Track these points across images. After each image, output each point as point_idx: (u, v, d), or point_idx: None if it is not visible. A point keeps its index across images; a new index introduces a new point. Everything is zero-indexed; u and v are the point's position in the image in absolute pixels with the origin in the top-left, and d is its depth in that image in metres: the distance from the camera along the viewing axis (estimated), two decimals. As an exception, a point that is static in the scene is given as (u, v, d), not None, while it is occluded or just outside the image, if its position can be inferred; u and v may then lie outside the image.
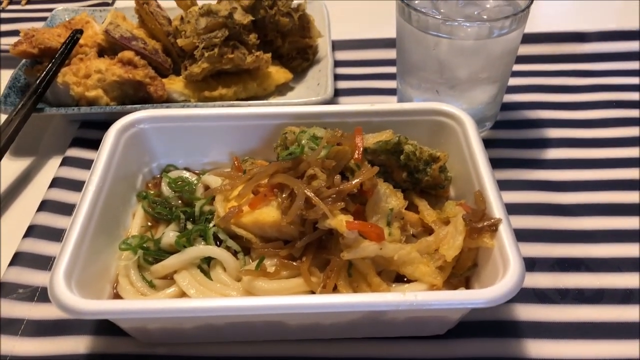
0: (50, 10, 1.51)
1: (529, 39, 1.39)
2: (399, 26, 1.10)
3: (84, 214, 0.79)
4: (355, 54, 1.45)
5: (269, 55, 1.25)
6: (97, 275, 0.81)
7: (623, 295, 0.89)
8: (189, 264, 0.84)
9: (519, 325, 0.85)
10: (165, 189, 0.96)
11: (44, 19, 1.49)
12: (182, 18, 1.27)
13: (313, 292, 0.78)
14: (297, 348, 0.83)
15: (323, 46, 1.37)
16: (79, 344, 0.84)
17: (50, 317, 0.87)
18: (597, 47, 1.42)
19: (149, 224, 0.93)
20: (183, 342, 0.84)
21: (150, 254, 0.86)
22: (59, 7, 1.48)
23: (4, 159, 1.08)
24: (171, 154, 1.01)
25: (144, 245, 0.86)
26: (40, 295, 0.90)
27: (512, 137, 1.18)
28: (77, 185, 1.08)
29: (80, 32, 1.25)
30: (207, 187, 0.95)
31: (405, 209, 0.84)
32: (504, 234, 0.75)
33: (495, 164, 1.04)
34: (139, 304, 0.71)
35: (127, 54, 1.21)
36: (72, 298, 0.69)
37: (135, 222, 0.92)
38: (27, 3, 1.73)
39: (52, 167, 1.16)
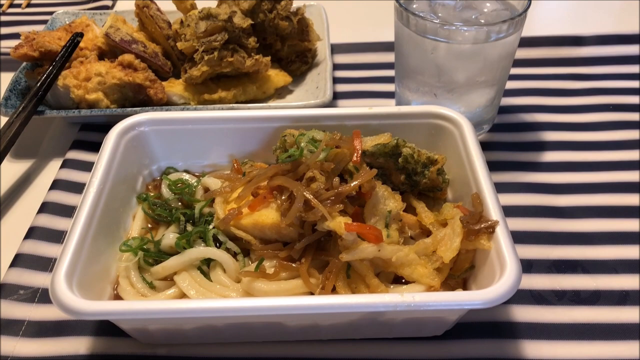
0: (50, 13, 1.52)
1: (527, 42, 1.40)
2: (397, 30, 1.10)
3: (84, 216, 0.80)
4: (353, 57, 1.46)
5: (268, 58, 1.26)
6: (98, 277, 0.82)
7: (619, 296, 0.90)
8: (189, 266, 0.84)
9: (516, 327, 0.86)
10: (165, 191, 0.97)
11: (44, 22, 1.50)
12: (181, 21, 1.28)
13: (312, 293, 0.79)
14: (296, 349, 0.84)
15: (322, 49, 1.38)
16: (80, 344, 0.85)
17: (51, 318, 0.88)
18: (594, 51, 1.43)
19: (149, 225, 0.94)
20: (183, 342, 0.84)
21: (151, 255, 0.86)
22: (60, 10, 1.49)
23: (4, 162, 1.09)
24: (171, 157, 1.02)
25: (144, 246, 0.87)
26: (41, 296, 0.91)
27: (510, 140, 1.19)
28: (77, 188, 1.09)
29: (81, 35, 1.25)
30: (206, 189, 0.96)
31: (404, 211, 0.85)
32: (501, 236, 0.76)
33: (493, 166, 1.05)
34: (139, 304, 0.72)
35: (127, 57, 1.22)
36: (73, 299, 0.70)
37: (135, 224, 0.93)
38: (27, 6, 1.73)
39: (52, 170, 1.16)
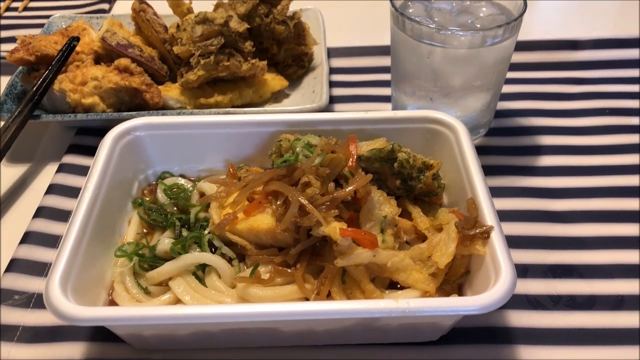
0: (46, 17, 1.52)
1: (523, 46, 1.40)
2: (393, 35, 1.11)
3: (79, 221, 0.80)
4: (350, 61, 1.46)
5: (264, 62, 1.26)
6: (93, 282, 0.81)
7: (615, 301, 0.90)
8: (184, 271, 0.84)
9: (512, 332, 0.86)
10: (161, 196, 0.97)
11: (40, 25, 1.50)
12: (178, 26, 1.28)
13: (307, 299, 0.79)
14: (291, 354, 0.84)
15: (318, 54, 1.38)
16: (75, 350, 0.84)
17: (46, 323, 0.87)
18: (591, 55, 1.43)
19: (145, 230, 0.94)
20: (178, 348, 0.84)
21: (146, 260, 0.86)
22: (56, 14, 1.48)
23: (0, 166, 1.08)
24: (167, 161, 1.02)
25: (140, 252, 0.87)
26: (36, 301, 0.90)
27: (506, 144, 1.19)
28: (73, 192, 1.09)
29: (77, 39, 1.25)
30: (202, 194, 0.96)
31: (399, 215, 0.85)
32: (496, 241, 0.76)
33: (489, 170, 1.05)
34: (134, 311, 0.71)
35: (124, 61, 1.22)
36: (67, 305, 0.70)
37: (130, 229, 0.92)
38: (24, 10, 1.73)
39: (48, 174, 1.16)
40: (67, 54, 1.22)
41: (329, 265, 0.79)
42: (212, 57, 1.20)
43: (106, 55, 1.29)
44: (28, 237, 0.99)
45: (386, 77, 1.31)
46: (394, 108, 1.23)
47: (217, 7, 1.29)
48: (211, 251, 0.87)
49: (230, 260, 0.86)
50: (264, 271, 0.82)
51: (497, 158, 1.16)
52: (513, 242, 0.94)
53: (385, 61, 1.31)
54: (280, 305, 0.71)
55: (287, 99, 1.32)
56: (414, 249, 0.81)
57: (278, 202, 0.83)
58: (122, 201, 0.94)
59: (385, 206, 0.83)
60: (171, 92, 1.25)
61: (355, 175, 0.83)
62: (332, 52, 1.46)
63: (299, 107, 1.19)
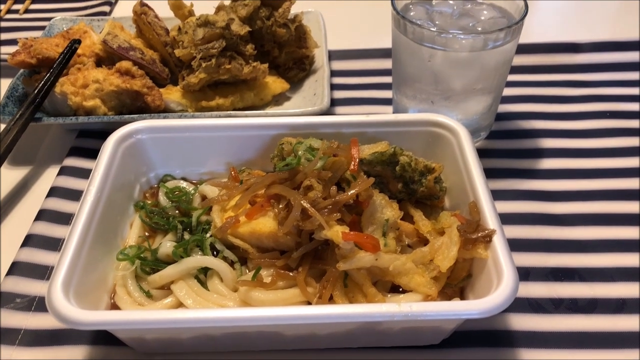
0: (47, 19, 1.52)
1: (523, 49, 1.40)
2: (394, 38, 1.11)
3: (82, 224, 0.80)
4: (351, 63, 1.46)
5: (265, 65, 1.26)
6: (95, 286, 0.81)
7: (616, 304, 0.90)
8: (186, 274, 0.84)
9: (513, 335, 0.86)
10: (163, 199, 0.97)
11: (41, 28, 1.50)
12: (179, 28, 1.28)
13: (309, 302, 0.79)
14: (293, 357, 0.84)
15: (319, 56, 1.38)
16: (76, 353, 0.84)
17: (48, 326, 0.87)
18: (591, 58, 1.43)
19: (146, 234, 0.94)
20: (180, 352, 0.84)
21: (148, 264, 0.86)
22: (57, 16, 1.48)
23: (2, 169, 1.08)
24: (168, 164, 1.02)
25: (142, 255, 0.87)
26: (38, 304, 0.90)
27: (507, 147, 1.19)
28: (74, 195, 1.09)
29: (78, 42, 1.25)
30: (204, 197, 0.96)
31: (401, 219, 0.86)
32: (498, 245, 0.76)
33: (490, 173, 1.05)
34: (136, 314, 0.71)
35: (125, 64, 1.22)
36: (69, 309, 0.70)
37: (132, 232, 0.92)
38: (24, 12, 1.73)
39: (49, 177, 1.16)
40: (69, 56, 1.22)
41: (331, 268, 0.79)
42: (213, 60, 1.20)
43: (107, 58, 1.29)
44: (29, 240, 0.99)
45: (387, 79, 1.31)
46: (395, 111, 1.23)
47: (218, 9, 1.29)
48: (213, 254, 0.87)
49: (232, 264, 0.86)
50: (266, 274, 0.82)
51: (498, 161, 1.16)
52: (514, 245, 0.94)
53: (387, 64, 1.31)
54: (283, 309, 0.71)
55: (288, 101, 1.33)
56: (416, 253, 0.81)
57: (280, 206, 0.83)
58: (124, 204, 0.95)
59: (387, 210, 0.83)
60: (172, 94, 1.25)
61: (357, 179, 0.83)
62: (333, 55, 1.46)
63: (300, 109, 1.19)
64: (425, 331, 0.81)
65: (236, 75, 1.23)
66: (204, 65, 1.20)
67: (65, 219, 1.04)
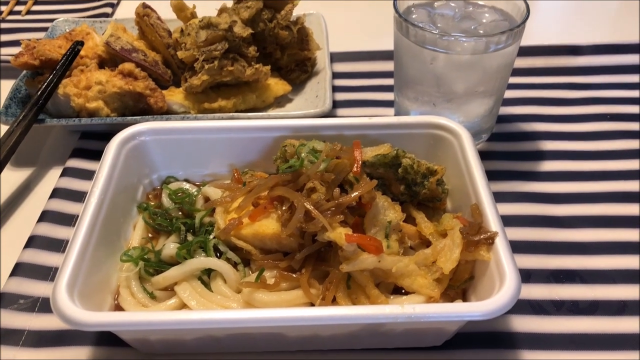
0: (50, 20, 1.52)
1: (524, 51, 1.41)
2: (396, 40, 1.11)
3: (86, 226, 0.81)
4: (353, 65, 1.46)
5: (268, 67, 1.27)
6: (99, 287, 0.82)
7: (617, 306, 0.90)
8: (190, 276, 0.85)
9: (515, 336, 0.86)
10: (166, 201, 0.97)
11: (44, 29, 1.50)
12: (182, 30, 1.28)
13: (312, 304, 0.79)
14: (296, 359, 0.84)
15: (321, 58, 1.39)
16: (80, 354, 0.85)
17: (51, 327, 0.88)
18: (591, 60, 1.44)
19: (150, 235, 0.94)
20: (184, 352, 0.84)
21: (151, 265, 0.86)
22: (60, 18, 1.49)
23: (5, 170, 1.09)
24: (171, 166, 1.02)
25: (145, 256, 0.87)
26: (41, 305, 0.91)
27: (508, 150, 1.20)
28: (77, 196, 1.09)
29: (81, 43, 1.26)
30: (207, 199, 0.96)
31: (403, 221, 0.86)
32: (500, 247, 0.76)
33: (491, 175, 1.05)
34: (140, 316, 0.72)
35: (128, 66, 1.22)
36: (74, 310, 0.70)
37: (136, 234, 0.93)
38: (27, 13, 1.74)
39: (52, 178, 1.16)
40: (71, 58, 1.22)
41: (334, 270, 0.79)
42: (216, 62, 1.20)
43: (110, 59, 1.29)
44: (32, 241, 1.00)
45: (389, 82, 1.32)
46: (397, 113, 1.23)
47: (221, 12, 1.29)
48: (216, 256, 0.87)
49: (235, 265, 0.86)
50: (269, 276, 0.83)
51: (500, 163, 1.16)
52: (515, 247, 0.93)
53: (388, 66, 1.31)
54: (286, 310, 0.72)
55: (291, 103, 1.33)
56: (419, 255, 0.81)
57: (283, 208, 0.83)
58: (128, 206, 0.95)
59: (389, 212, 0.84)
60: (175, 96, 1.26)
61: (360, 181, 0.83)
62: (335, 57, 1.47)
63: (302, 111, 1.20)
64: (427, 333, 0.81)
65: (238, 77, 1.23)
66: (206, 67, 1.20)
67: (68, 220, 1.04)
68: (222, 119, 1.17)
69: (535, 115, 1.29)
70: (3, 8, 1.74)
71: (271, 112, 1.27)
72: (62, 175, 1.14)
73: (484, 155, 1.08)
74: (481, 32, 1.06)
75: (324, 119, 1.02)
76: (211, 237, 0.89)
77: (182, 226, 0.91)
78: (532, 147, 1.20)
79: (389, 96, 1.33)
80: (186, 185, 1.01)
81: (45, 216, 1.05)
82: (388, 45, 1.20)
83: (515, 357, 0.84)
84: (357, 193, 0.81)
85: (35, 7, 1.77)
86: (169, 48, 1.33)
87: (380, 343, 0.84)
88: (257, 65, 1.25)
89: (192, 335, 0.79)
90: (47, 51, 1.22)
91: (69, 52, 1.22)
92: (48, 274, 0.95)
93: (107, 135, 1.00)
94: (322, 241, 0.79)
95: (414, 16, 1.11)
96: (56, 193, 1.10)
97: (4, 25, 1.66)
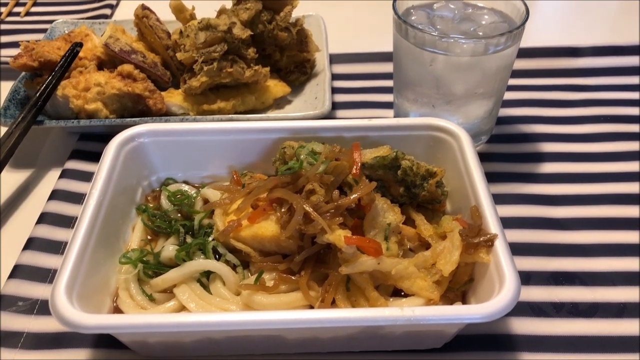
0: (49, 22, 1.52)
1: (524, 53, 1.40)
2: (395, 42, 1.11)
3: (84, 228, 0.80)
4: (352, 67, 1.46)
5: (267, 69, 1.27)
6: (98, 289, 0.82)
7: (617, 309, 0.90)
8: (189, 278, 0.84)
9: (515, 339, 0.86)
10: (165, 202, 0.97)
11: (43, 30, 1.50)
12: (181, 32, 1.28)
13: (312, 306, 0.79)
14: (295, 361, 0.84)
15: (321, 60, 1.39)
16: (79, 356, 0.84)
17: (50, 329, 0.87)
18: (591, 62, 1.44)
19: (149, 237, 0.94)
20: (182, 355, 0.84)
21: (150, 267, 0.86)
22: (59, 19, 1.49)
23: (3, 171, 1.08)
24: (170, 168, 1.02)
25: (144, 258, 0.87)
26: (40, 307, 0.90)
27: (508, 151, 1.20)
28: (76, 198, 1.09)
29: (80, 45, 1.26)
30: (206, 201, 0.96)
31: (403, 223, 0.86)
32: (500, 249, 0.76)
33: (491, 177, 1.05)
34: (139, 318, 0.72)
35: (127, 67, 1.22)
36: (73, 312, 0.70)
37: (135, 236, 0.93)
38: (26, 15, 1.74)
39: (51, 179, 1.16)
40: (70, 59, 1.22)
41: (333, 272, 0.79)
42: (215, 64, 1.20)
43: (109, 61, 1.29)
44: (31, 243, 0.99)
45: (388, 83, 1.32)
46: (396, 115, 1.23)
47: (220, 13, 1.29)
48: (215, 258, 0.87)
49: (234, 267, 0.86)
50: (269, 278, 0.82)
51: (499, 165, 1.16)
52: (515, 249, 0.93)
53: (388, 67, 1.31)
54: (285, 313, 0.72)
55: (290, 105, 1.33)
56: (418, 257, 0.81)
57: (282, 210, 0.83)
58: (126, 208, 0.95)
59: (389, 214, 0.84)
60: (174, 98, 1.25)
61: (360, 183, 0.83)
62: (334, 59, 1.47)
63: (301, 113, 1.20)
64: (427, 335, 0.81)
65: (238, 79, 1.23)
66: (205, 68, 1.20)
67: (66, 221, 1.04)
68: (221, 120, 1.17)
69: (535, 116, 1.29)
70: (2, 9, 1.74)
71: (270, 114, 1.27)
72: (60, 176, 1.14)
73: (483, 157, 1.08)
74: (480, 33, 1.06)
75: (323, 121, 1.02)
76: (210, 239, 0.89)
77: (181, 228, 0.91)
78: (531, 148, 1.20)
79: (388, 98, 1.33)
80: (185, 187, 1.01)
81: (44, 218, 1.04)
82: (387, 46, 1.20)
83: (515, 359, 0.84)
84: (356, 195, 0.80)
85: (34, 9, 1.77)
86: (168, 49, 1.33)
87: (380, 345, 0.83)
88: (256, 67, 1.25)
89: (191, 338, 0.79)
90: (46, 53, 1.22)
91: (67, 54, 1.22)
92: (47, 276, 0.95)
93: (106, 136, 1.00)
94: (322, 243, 0.79)
95: (413, 18, 1.11)
96: (55, 195, 1.09)
97: (3, 27, 1.66)
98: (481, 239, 0.78)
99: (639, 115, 1.28)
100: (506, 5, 1.10)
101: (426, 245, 0.86)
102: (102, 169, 0.90)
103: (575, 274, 0.95)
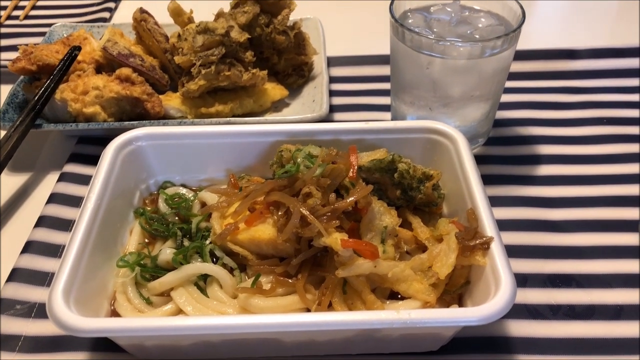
0: (47, 25, 1.52)
1: (521, 55, 1.41)
2: (392, 45, 1.11)
3: (82, 231, 0.81)
4: (350, 70, 1.47)
5: (265, 72, 1.27)
6: (95, 292, 0.82)
7: (614, 311, 0.90)
8: (186, 281, 0.85)
9: (511, 341, 0.87)
10: (162, 206, 0.97)
11: (41, 34, 1.50)
12: (179, 35, 1.28)
13: (308, 309, 0.79)
14: (292, 364, 0.84)
15: (318, 63, 1.39)
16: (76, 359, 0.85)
17: (48, 333, 0.88)
18: (588, 64, 1.44)
19: (146, 240, 0.94)
20: (180, 358, 0.84)
21: (148, 270, 0.86)
22: (57, 23, 1.49)
23: (2, 175, 1.09)
24: (168, 171, 1.02)
25: (141, 262, 0.87)
26: (38, 311, 0.91)
27: (504, 154, 1.20)
28: (74, 201, 1.09)
29: (78, 48, 1.26)
30: (203, 204, 0.96)
31: (399, 226, 0.86)
32: (496, 252, 0.76)
33: (488, 180, 1.06)
34: (136, 322, 0.72)
35: (125, 71, 1.22)
36: (70, 316, 0.70)
37: (132, 239, 0.93)
38: (25, 18, 1.74)
39: (49, 183, 1.16)
40: (69, 63, 1.23)
41: (330, 275, 0.79)
42: (213, 67, 1.20)
43: (107, 64, 1.30)
44: (29, 247, 1.00)
45: (386, 86, 1.32)
46: (394, 117, 1.24)
47: (218, 17, 1.30)
48: (213, 261, 0.87)
49: (231, 271, 0.86)
50: (266, 281, 0.83)
51: (496, 167, 1.17)
52: (512, 251, 0.94)
53: (385, 70, 1.32)
54: (282, 316, 0.72)
55: (288, 108, 1.33)
56: (415, 260, 0.81)
57: (279, 213, 0.83)
58: (124, 211, 0.95)
59: (385, 216, 0.84)
60: (172, 101, 1.26)
61: (356, 186, 0.83)
62: (332, 62, 1.47)
63: (299, 116, 1.20)
64: (423, 338, 0.81)
65: (235, 82, 1.24)
66: (203, 72, 1.20)
67: (65, 225, 1.04)
68: (219, 123, 1.17)
69: (532, 119, 1.29)
70: (1, 13, 1.75)
71: (268, 117, 1.28)
72: (59, 180, 1.14)
73: (480, 160, 1.09)
74: (477, 36, 1.07)
75: (321, 124, 1.02)
76: (207, 242, 0.89)
77: (179, 231, 0.91)
78: (529, 151, 1.21)
79: (385, 100, 1.33)
80: (183, 190, 1.01)
81: (43, 221, 1.05)
82: (385, 49, 1.20)
83: (512, 362, 0.84)
84: (353, 198, 0.81)
85: (33, 12, 1.77)
86: (166, 53, 1.33)
87: (377, 348, 0.84)
88: (254, 70, 1.25)
89: (188, 341, 0.79)
90: (45, 56, 1.23)
91: (66, 57, 1.22)
92: (45, 279, 0.95)
93: (104, 140, 1.00)
94: (318, 246, 0.80)
95: (410, 21, 1.11)
96: (53, 198, 1.10)
97: (2, 30, 1.66)
98: (477, 241, 0.78)
99: (638, 117, 1.28)
100: (503, 8, 1.10)
101: (423, 248, 0.86)
102: (100, 172, 0.90)
103: (572, 276, 0.95)
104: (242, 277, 0.86)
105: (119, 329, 0.71)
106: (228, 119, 1.22)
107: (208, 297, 0.83)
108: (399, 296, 0.82)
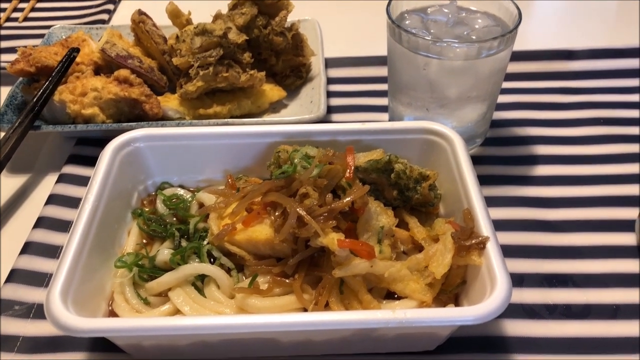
0: (47, 27, 1.53)
1: (518, 56, 1.42)
2: (389, 46, 1.12)
3: (80, 232, 0.81)
4: (347, 71, 1.47)
5: (263, 73, 1.27)
6: (93, 293, 0.82)
7: (610, 310, 0.91)
8: (183, 282, 0.85)
9: (508, 341, 0.87)
10: (160, 207, 0.98)
11: (40, 36, 1.51)
12: (177, 37, 1.29)
13: (305, 309, 0.80)
14: (289, 364, 0.84)
15: (316, 64, 1.40)
16: (75, 360, 0.85)
17: (46, 333, 0.88)
18: (585, 65, 1.44)
19: (144, 241, 0.95)
20: (177, 358, 0.85)
21: (145, 271, 0.87)
22: (56, 25, 1.50)
23: (1, 176, 1.09)
24: (166, 172, 1.03)
25: (139, 262, 0.87)
26: (36, 312, 0.91)
27: (501, 154, 1.20)
28: (73, 202, 1.09)
29: (77, 50, 1.26)
30: (201, 205, 0.97)
31: (396, 226, 0.86)
32: (492, 252, 0.77)
33: (485, 180, 1.06)
34: (134, 322, 0.72)
35: (123, 72, 1.23)
36: (68, 316, 0.70)
37: (130, 240, 0.93)
38: (24, 20, 1.75)
39: (48, 184, 1.17)
40: (67, 65, 1.23)
41: (326, 275, 0.79)
42: (211, 68, 1.21)
43: (106, 66, 1.30)
44: (28, 248, 1.00)
45: (383, 87, 1.33)
46: (391, 118, 1.24)
47: (216, 18, 1.30)
48: (210, 261, 0.88)
49: (229, 271, 0.87)
50: (263, 281, 0.83)
51: (493, 168, 1.17)
52: (508, 251, 0.94)
53: (382, 71, 1.32)
54: (279, 316, 0.72)
55: (285, 109, 1.34)
56: (411, 260, 0.82)
57: (276, 213, 0.84)
58: (122, 212, 0.95)
59: (382, 217, 0.84)
60: (170, 102, 1.26)
61: (353, 186, 0.84)
62: (329, 63, 1.47)
63: (297, 117, 1.20)
64: (420, 337, 0.82)
65: (233, 83, 1.24)
66: (201, 73, 1.21)
67: (63, 226, 1.05)
68: (217, 125, 1.18)
69: (529, 120, 1.29)
70: (0, 15, 1.75)
71: (266, 118, 1.28)
72: (58, 181, 1.15)
73: (477, 160, 1.09)
74: (473, 37, 1.07)
75: (318, 125, 1.03)
76: (205, 242, 0.89)
77: (176, 232, 0.92)
78: (525, 151, 1.21)
79: (383, 101, 1.34)
80: (181, 191, 1.01)
81: (41, 222, 1.05)
82: (382, 50, 1.21)
83: (508, 361, 0.85)
84: (349, 198, 0.81)
85: (32, 14, 1.77)
86: (164, 54, 1.33)
87: (373, 348, 0.84)
88: (252, 71, 1.25)
89: (185, 341, 0.79)
90: (43, 58, 1.23)
91: (64, 59, 1.23)
92: (43, 280, 0.96)
93: (102, 141, 1.01)
94: (315, 246, 0.80)
95: (407, 22, 1.11)
96: (52, 199, 1.10)
97: (1, 32, 1.67)
98: (473, 241, 0.79)
99: (637, 117, 1.28)
100: (499, 8, 1.11)
101: (419, 248, 0.87)
102: (98, 173, 0.90)
103: (568, 276, 0.96)
104: (240, 277, 0.86)
105: (117, 329, 0.71)
106: (226, 120, 1.22)
107: (205, 297, 0.84)
108: (396, 296, 0.82)
